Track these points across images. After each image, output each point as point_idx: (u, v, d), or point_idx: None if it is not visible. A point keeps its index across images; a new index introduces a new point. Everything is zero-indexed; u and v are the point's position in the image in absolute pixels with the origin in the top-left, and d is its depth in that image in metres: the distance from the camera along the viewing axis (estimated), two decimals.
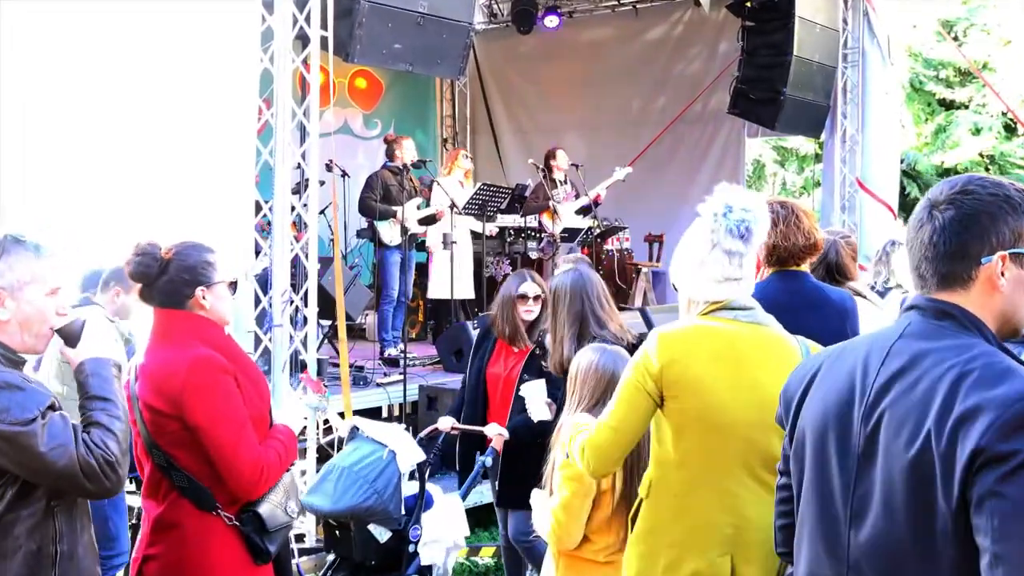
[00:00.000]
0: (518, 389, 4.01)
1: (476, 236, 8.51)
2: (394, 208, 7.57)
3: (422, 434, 4.21)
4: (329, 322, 7.09)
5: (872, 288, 4.85)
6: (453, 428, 4.17)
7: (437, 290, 8.06)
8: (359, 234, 8.56)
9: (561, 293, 3.72)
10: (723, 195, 2.41)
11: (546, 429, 3.72)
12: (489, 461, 3.89)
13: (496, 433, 3.97)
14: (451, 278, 7.79)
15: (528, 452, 3.86)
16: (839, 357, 1.72)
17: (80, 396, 2.25)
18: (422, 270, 9.11)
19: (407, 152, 7.71)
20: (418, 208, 7.85)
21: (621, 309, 9.27)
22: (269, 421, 2.81)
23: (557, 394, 3.76)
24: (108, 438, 2.17)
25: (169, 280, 2.69)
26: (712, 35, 10.68)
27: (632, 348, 3.56)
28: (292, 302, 5.60)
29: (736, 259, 2.39)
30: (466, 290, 8.29)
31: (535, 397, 3.84)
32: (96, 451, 2.13)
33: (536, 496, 3.10)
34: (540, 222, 8.83)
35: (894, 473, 1.50)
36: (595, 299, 3.70)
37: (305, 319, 5.68)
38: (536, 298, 4.21)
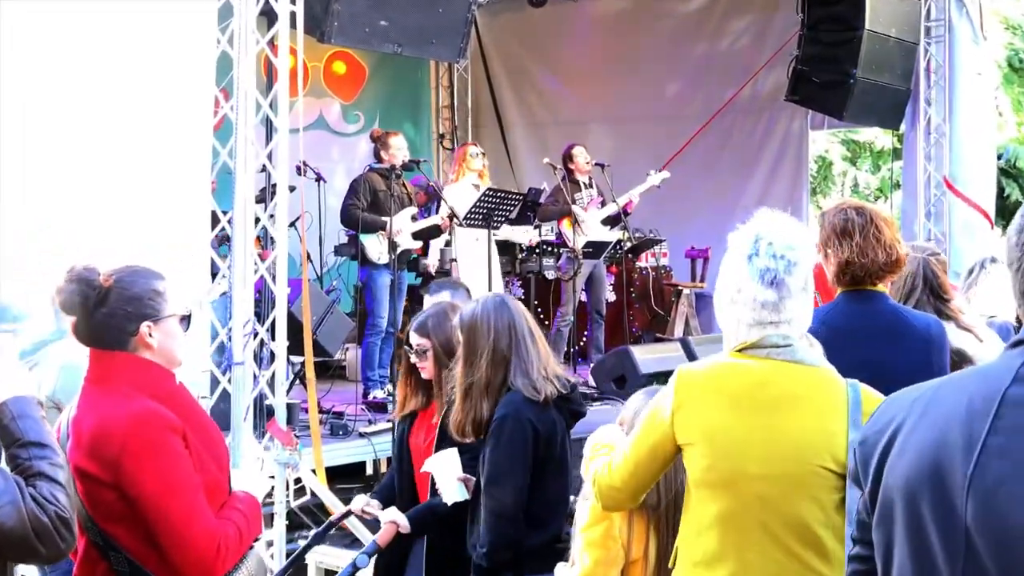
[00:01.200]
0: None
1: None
2: (384, 219, 7.58)
3: (333, 518, 4.02)
4: (301, 359, 7.08)
5: None
6: (363, 511, 3.89)
7: None
8: (337, 251, 8.57)
9: (479, 328, 3.43)
10: (754, 228, 2.43)
11: (464, 512, 3.50)
12: (365, 560, 3.52)
13: (388, 521, 3.65)
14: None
15: (455, 549, 3.58)
16: (932, 402, 1.68)
17: (6, 442, 2.23)
18: (416, 296, 9.12)
19: (397, 151, 7.72)
20: (412, 219, 7.86)
21: (658, 340, 9.38)
22: (227, 489, 2.80)
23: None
24: (57, 491, 2.16)
25: (109, 313, 2.69)
26: (766, 4, 10.72)
27: (560, 400, 3.44)
28: (256, 335, 5.60)
29: (769, 305, 2.41)
30: None
31: (445, 473, 3.53)
32: (49, 507, 2.12)
33: (559, 571, 3.08)
34: (559, 233, 8.84)
35: (1018, 554, 1.47)
36: (524, 335, 3.43)
37: (272, 355, 5.67)
38: (421, 352, 3.79)
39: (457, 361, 3.49)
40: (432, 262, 8.23)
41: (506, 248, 8.90)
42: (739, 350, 2.44)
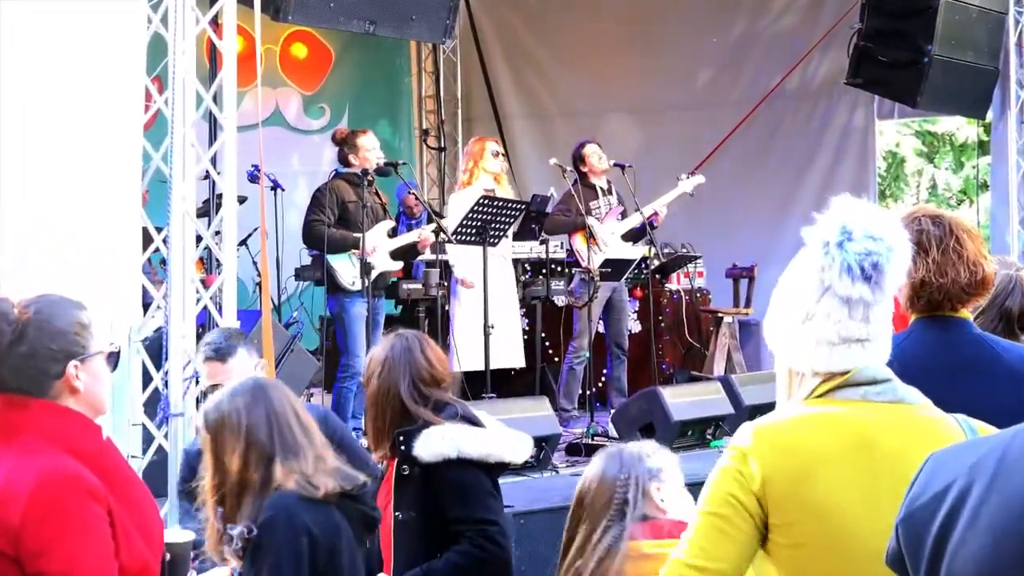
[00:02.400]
0: (396, 538, 3.81)
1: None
2: (356, 235, 7.59)
3: None
4: None
5: None
6: None
7: (471, 356, 7.99)
8: (299, 274, 8.58)
9: (227, 422, 3.34)
10: (839, 214, 2.38)
11: None
12: None
13: None
14: (441, 338, 7.77)
15: None
16: (1004, 462, 1.63)
17: None
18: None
19: (369, 152, 7.72)
20: (389, 235, 7.87)
21: (694, 379, 9.35)
22: (156, 572, 2.77)
23: None
24: None
25: (29, 353, 2.68)
26: None
27: (345, 500, 3.34)
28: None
29: (859, 310, 2.35)
30: (511, 354, 8.26)
31: None
32: None
33: None
34: (571, 249, 8.83)
35: None
36: (289, 422, 3.38)
37: None
38: None
39: (205, 469, 3.40)
40: (417, 286, 8.24)
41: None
42: (821, 394, 2.37)
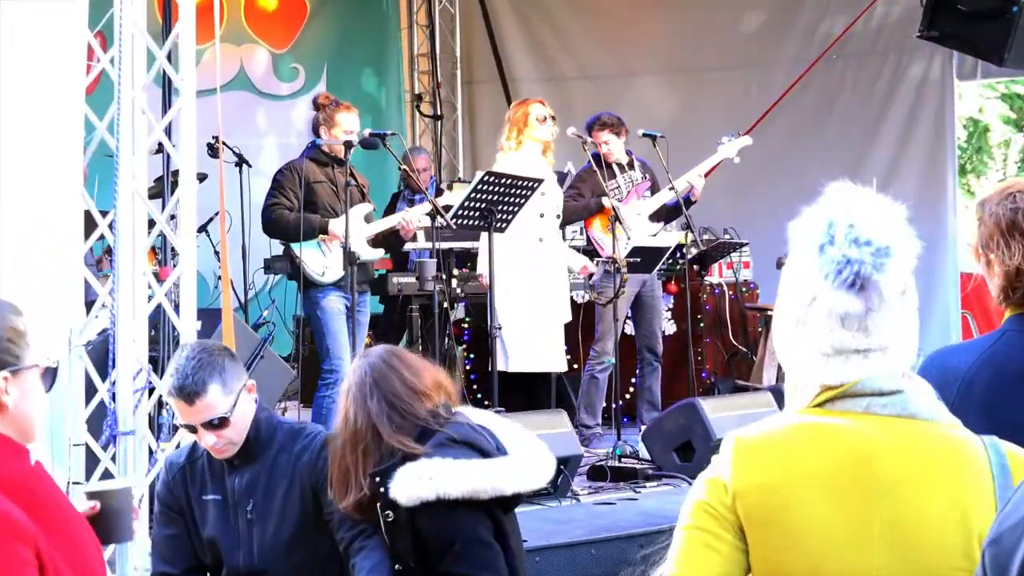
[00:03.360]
0: None
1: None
2: (323, 219, 7.59)
3: None
4: None
5: None
6: None
7: (522, 357, 8.08)
8: (269, 266, 8.58)
9: None
10: (827, 208, 2.38)
11: None
12: None
13: None
14: (440, 341, 7.78)
15: None
16: None
17: None
18: (383, 329, 9.09)
19: (344, 133, 7.66)
20: (366, 220, 7.86)
21: (739, 389, 9.33)
22: None
23: None
24: None
25: None
26: None
27: None
28: (152, 391, 5.59)
29: (852, 322, 2.36)
30: (552, 356, 8.33)
31: None
32: None
33: None
34: (590, 237, 8.82)
35: None
36: None
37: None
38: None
39: None
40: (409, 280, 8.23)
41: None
42: (819, 404, 2.39)
